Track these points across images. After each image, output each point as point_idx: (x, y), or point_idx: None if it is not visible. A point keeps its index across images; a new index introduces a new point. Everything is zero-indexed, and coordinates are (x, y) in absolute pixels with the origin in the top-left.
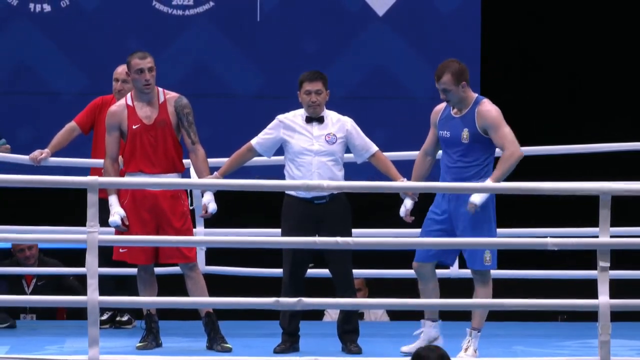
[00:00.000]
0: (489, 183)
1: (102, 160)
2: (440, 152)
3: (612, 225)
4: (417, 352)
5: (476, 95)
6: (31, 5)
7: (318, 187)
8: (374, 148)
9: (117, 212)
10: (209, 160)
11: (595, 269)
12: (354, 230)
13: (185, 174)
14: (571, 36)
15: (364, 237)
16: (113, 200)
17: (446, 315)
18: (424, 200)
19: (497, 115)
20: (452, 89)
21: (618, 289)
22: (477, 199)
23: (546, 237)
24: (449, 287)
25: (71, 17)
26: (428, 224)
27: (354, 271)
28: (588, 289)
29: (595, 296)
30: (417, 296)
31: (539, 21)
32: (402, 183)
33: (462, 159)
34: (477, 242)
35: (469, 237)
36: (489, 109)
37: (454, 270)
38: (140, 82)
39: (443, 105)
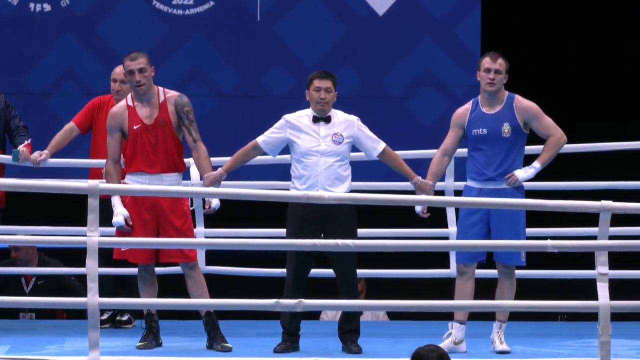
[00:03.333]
0: (533, 165)
1: (101, 161)
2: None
3: (611, 225)
4: (417, 352)
5: (507, 92)
6: (31, 5)
7: (319, 198)
8: (382, 145)
9: (120, 213)
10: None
11: (594, 267)
12: (359, 230)
13: (185, 173)
14: (571, 36)
15: (368, 236)
16: (116, 200)
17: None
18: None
19: (537, 106)
20: (502, 73)
21: (618, 288)
22: (521, 174)
23: (546, 238)
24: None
25: (71, 16)
26: (465, 225)
27: (357, 270)
28: (588, 288)
29: (596, 296)
30: (417, 297)
31: (539, 21)
32: (406, 197)
33: (504, 153)
34: (478, 243)
35: (506, 235)
36: (528, 102)
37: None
38: (132, 84)
39: (467, 106)
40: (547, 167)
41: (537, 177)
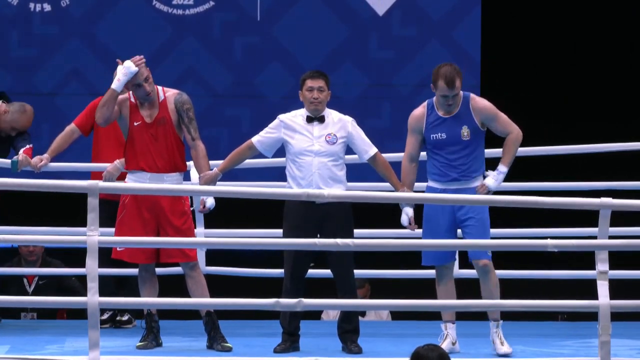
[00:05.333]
0: (500, 170)
1: (102, 164)
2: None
3: (611, 225)
4: (417, 352)
5: (462, 92)
6: (31, 5)
7: (319, 196)
8: (374, 150)
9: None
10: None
11: (594, 268)
12: (356, 231)
13: (185, 173)
14: (571, 36)
15: (366, 237)
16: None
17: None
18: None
19: (492, 105)
20: (460, 92)
21: (618, 288)
22: (491, 183)
23: (546, 237)
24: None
25: (71, 16)
26: (432, 227)
27: (357, 271)
28: (588, 288)
29: (596, 296)
30: (418, 296)
31: (539, 21)
32: (403, 194)
33: (465, 156)
34: (479, 243)
35: (476, 232)
36: (484, 103)
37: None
38: (142, 94)
39: (422, 110)
40: (546, 167)
41: (536, 177)
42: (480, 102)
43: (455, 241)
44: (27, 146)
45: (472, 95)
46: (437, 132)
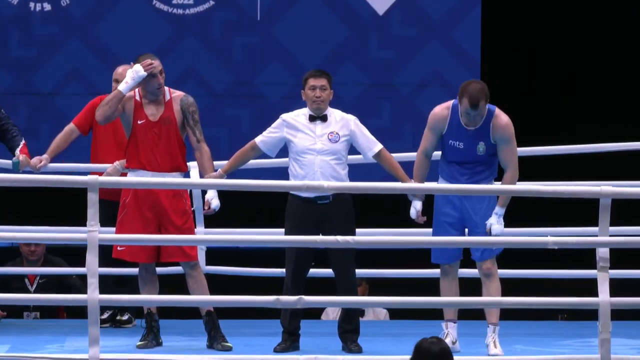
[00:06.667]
0: (498, 213)
1: (102, 165)
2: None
3: (611, 225)
4: (420, 345)
5: (487, 106)
6: (31, 5)
7: (318, 187)
8: (379, 147)
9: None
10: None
11: (595, 268)
12: (357, 230)
13: (186, 174)
14: (571, 36)
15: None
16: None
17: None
18: (431, 198)
19: (512, 130)
20: (484, 111)
21: (618, 288)
22: (498, 229)
23: (547, 236)
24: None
25: (71, 15)
26: (442, 227)
27: (357, 270)
28: (588, 288)
29: (596, 296)
30: (417, 296)
31: (539, 21)
32: (404, 185)
33: (478, 167)
34: (480, 240)
35: (481, 230)
36: (505, 123)
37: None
38: (153, 87)
39: (446, 112)
40: (546, 167)
41: (536, 176)
42: (502, 121)
43: (456, 238)
44: (21, 144)
45: (497, 111)
46: (456, 140)
